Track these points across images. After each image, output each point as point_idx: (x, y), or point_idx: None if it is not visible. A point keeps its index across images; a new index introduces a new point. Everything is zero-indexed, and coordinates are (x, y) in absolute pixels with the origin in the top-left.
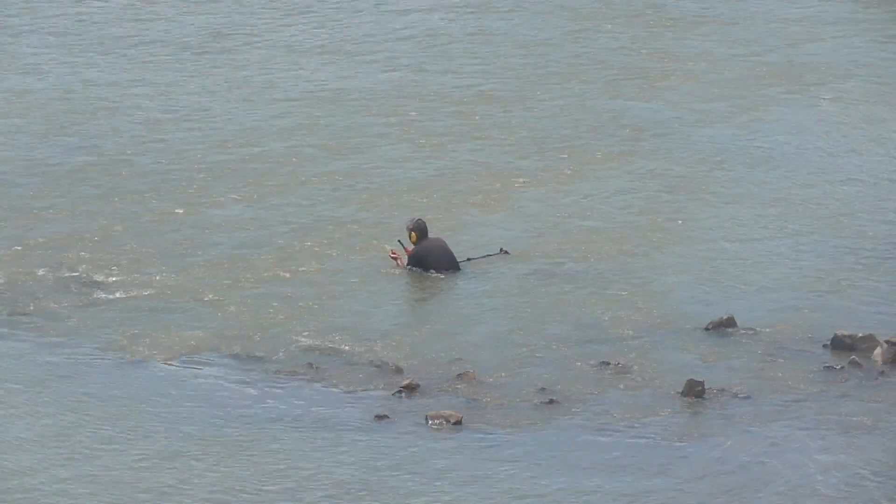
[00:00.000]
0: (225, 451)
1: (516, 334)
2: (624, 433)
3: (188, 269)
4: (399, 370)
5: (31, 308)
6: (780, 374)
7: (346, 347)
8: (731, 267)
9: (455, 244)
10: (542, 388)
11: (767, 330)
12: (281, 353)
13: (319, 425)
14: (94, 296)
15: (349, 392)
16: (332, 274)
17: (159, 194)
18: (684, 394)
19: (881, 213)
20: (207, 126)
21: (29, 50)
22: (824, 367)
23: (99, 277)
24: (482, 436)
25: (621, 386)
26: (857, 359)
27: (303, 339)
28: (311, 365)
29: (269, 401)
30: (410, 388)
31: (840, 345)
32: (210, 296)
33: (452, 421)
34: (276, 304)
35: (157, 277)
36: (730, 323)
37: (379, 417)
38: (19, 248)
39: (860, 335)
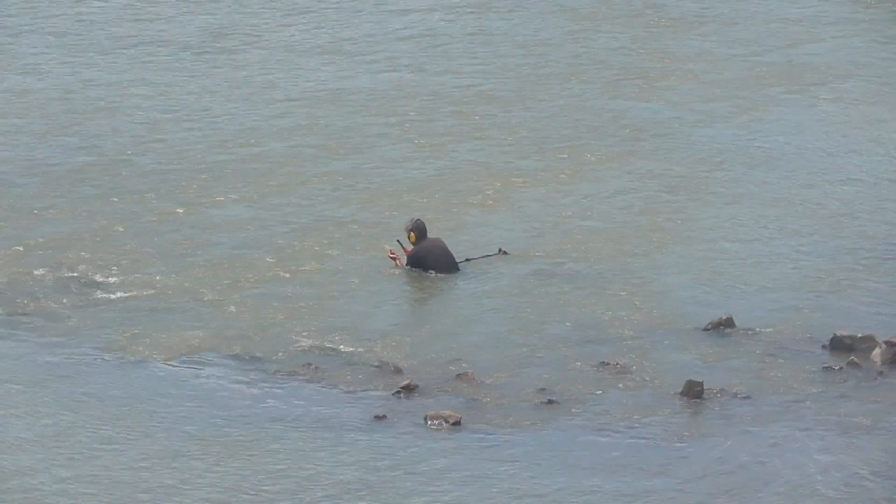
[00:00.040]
0: (225, 451)
1: (516, 334)
2: (623, 433)
3: (188, 269)
4: (398, 370)
5: (31, 308)
6: (780, 375)
7: (346, 348)
8: (730, 267)
9: (454, 244)
10: (542, 389)
11: (767, 330)
12: (280, 354)
13: (319, 425)
14: (94, 296)
15: (349, 392)
16: (332, 274)
17: (159, 194)
18: (683, 394)
19: (881, 214)
20: (207, 126)
21: (29, 50)
22: (823, 367)
23: (99, 277)
24: (481, 436)
25: (621, 386)
26: (856, 359)
27: (302, 340)
28: (310, 365)
29: (268, 401)
30: (410, 389)
31: (839, 345)
32: (210, 296)
33: (452, 421)
34: (275, 304)
35: (157, 277)
36: (729, 323)
37: (378, 418)
38: (19, 248)
39: (859, 336)
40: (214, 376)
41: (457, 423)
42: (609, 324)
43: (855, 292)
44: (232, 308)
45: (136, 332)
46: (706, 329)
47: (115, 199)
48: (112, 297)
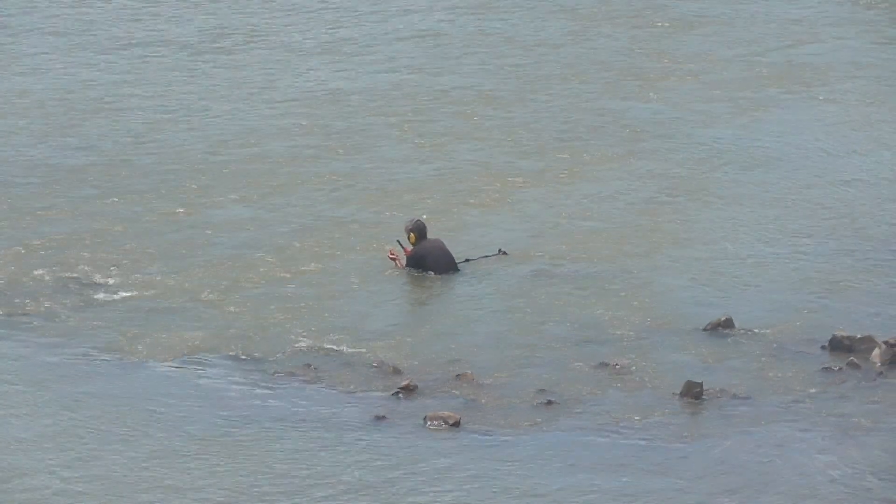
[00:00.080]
0: (224, 452)
1: (515, 335)
2: (623, 434)
3: (188, 269)
4: (398, 371)
5: (31, 308)
6: (779, 375)
7: (346, 348)
8: (730, 267)
9: (454, 245)
10: (541, 389)
11: (766, 331)
12: (280, 354)
13: (318, 426)
14: (94, 296)
15: (348, 393)
16: (331, 274)
17: (159, 194)
18: (683, 394)
19: (881, 214)
20: (207, 126)
21: (29, 50)
22: (822, 368)
23: (99, 278)
24: (481, 436)
25: (620, 387)
26: (855, 360)
27: (302, 340)
28: (309, 365)
29: (268, 401)
30: (409, 389)
31: (839, 346)
32: (210, 296)
33: (451, 422)
34: (275, 304)
35: (157, 278)
36: (728, 324)
37: (378, 418)
38: (19, 248)
39: (859, 336)
40: (214, 376)
41: (456, 424)
42: (608, 324)
43: (854, 293)
44: (232, 308)
45: (136, 332)
46: (705, 329)
47: (115, 199)
48: (112, 297)
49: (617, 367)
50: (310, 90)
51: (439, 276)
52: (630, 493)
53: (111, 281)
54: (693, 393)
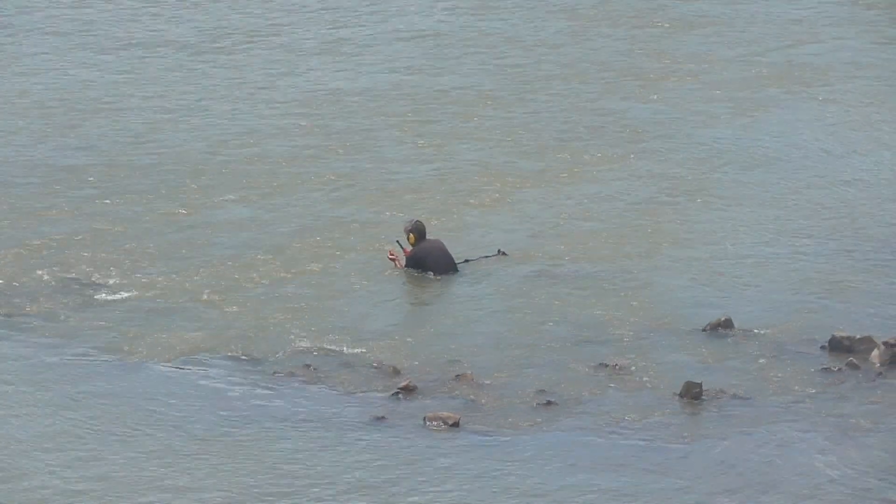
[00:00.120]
0: (224, 452)
1: (514, 335)
2: (622, 434)
3: (188, 269)
4: (397, 371)
5: (31, 308)
6: (778, 376)
7: (345, 348)
8: (729, 268)
9: (454, 245)
10: (541, 390)
11: (765, 331)
12: (280, 354)
13: (318, 426)
14: (94, 296)
15: (348, 393)
16: (331, 274)
17: (159, 194)
18: (682, 395)
19: (880, 215)
20: (207, 126)
21: (29, 50)
22: (822, 368)
23: (98, 278)
24: (480, 437)
25: (619, 387)
26: (854, 360)
27: (302, 340)
28: (309, 366)
29: (267, 401)
30: (409, 390)
31: (838, 346)
32: (209, 296)
33: (451, 422)
34: (275, 304)
35: (157, 278)
36: (728, 324)
37: (377, 418)
38: (19, 248)
39: (858, 337)
40: (214, 377)
41: (456, 424)
42: (608, 324)
43: (854, 293)
44: (232, 308)
45: (136, 332)
46: (705, 330)
47: (115, 199)
48: (112, 297)
49: (616, 367)
50: (310, 90)
51: (439, 277)
52: (630, 493)
53: (111, 281)
54: (692, 393)
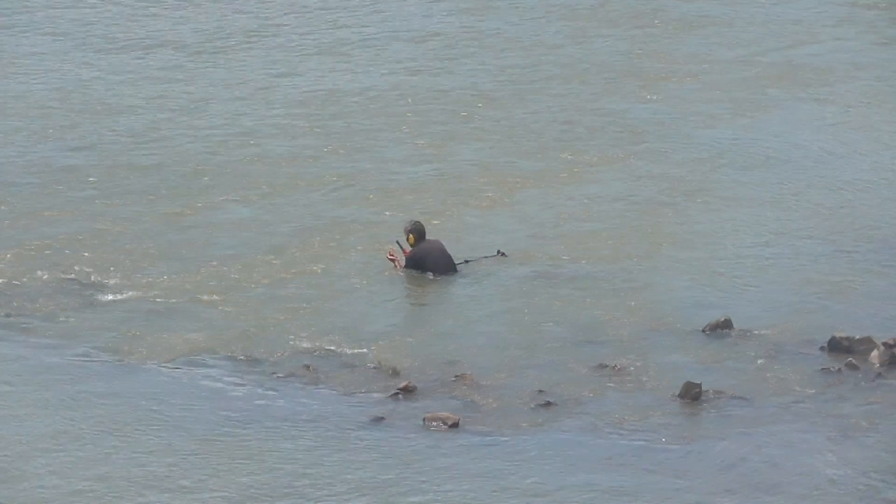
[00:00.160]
0: (224, 452)
1: (514, 336)
2: (622, 435)
3: (188, 269)
4: (397, 372)
5: (31, 309)
6: (778, 376)
7: (345, 349)
8: (729, 269)
9: (453, 246)
10: (541, 390)
11: (765, 332)
12: (279, 355)
13: (317, 427)
14: (94, 297)
15: (347, 394)
16: (331, 275)
17: (159, 195)
18: (681, 396)
19: (880, 216)
20: (207, 126)
21: (29, 50)
22: (821, 369)
23: (98, 278)
24: (480, 437)
25: (619, 388)
26: (854, 361)
27: (301, 341)
28: (308, 366)
29: (267, 402)
30: (408, 390)
31: (837, 347)
32: (209, 297)
33: (450, 423)
34: (275, 304)
35: (157, 278)
36: (727, 325)
37: (377, 419)
38: (19, 249)
39: (858, 337)
40: (214, 377)
41: (455, 425)
42: (608, 325)
43: (854, 294)
44: (232, 309)
45: (136, 332)
46: (704, 331)
47: (116, 200)
48: (112, 298)
49: (616, 367)
50: (310, 90)
51: (438, 278)
52: (629, 493)
53: (111, 281)
54: (692, 394)
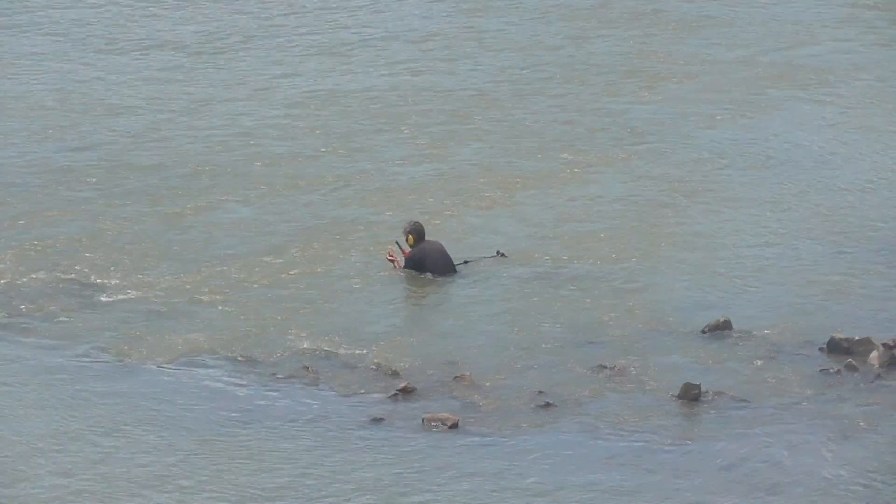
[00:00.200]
0: (224, 452)
1: (513, 337)
2: (621, 435)
3: (188, 269)
4: (396, 373)
5: (31, 310)
6: (777, 377)
7: (344, 350)
8: (728, 269)
9: (453, 246)
10: (540, 391)
11: (764, 333)
12: (279, 355)
13: (316, 427)
14: (93, 298)
15: (347, 394)
16: (330, 275)
17: (159, 195)
18: (680, 397)
19: (879, 217)
20: (207, 126)
21: (28, 50)
22: (820, 370)
23: (98, 279)
24: (479, 438)
25: (618, 388)
26: (853, 362)
27: (301, 341)
28: (308, 367)
29: (267, 402)
30: (407, 391)
31: (837, 348)
32: (209, 297)
33: (449, 423)
34: (275, 305)
35: (157, 278)
36: (726, 326)
37: (376, 420)
38: (19, 249)
39: (857, 338)
40: (214, 377)
41: (455, 426)
42: (607, 326)
43: (853, 295)
44: (232, 309)
45: (137, 333)
46: (704, 332)
47: (115, 200)
48: (112, 298)
49: (615, 368)
50: (310, 90)
51: (438, 278)
52: (629, 492)
53: (111, 282)
54: (691, 395)
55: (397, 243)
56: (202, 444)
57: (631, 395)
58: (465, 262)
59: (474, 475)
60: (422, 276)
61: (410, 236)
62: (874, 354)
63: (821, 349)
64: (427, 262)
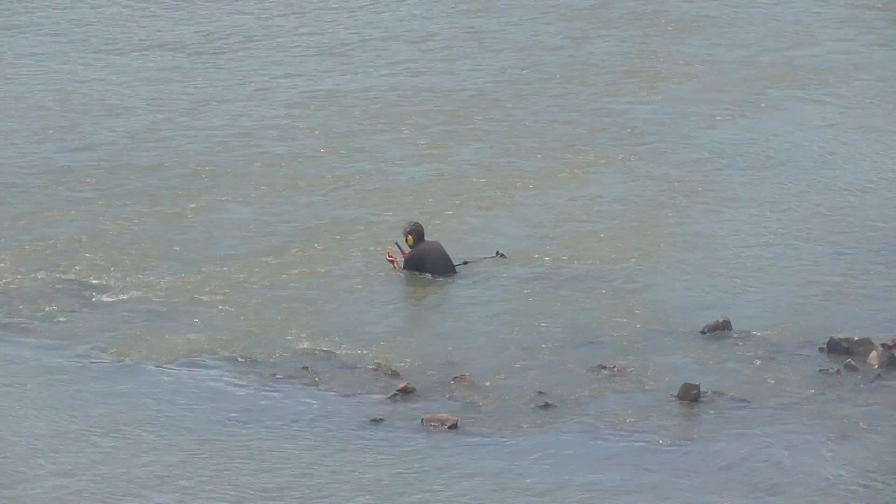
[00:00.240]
0: (224, 453)
1: (513, 337)
2: (621, 436)
3: (188, 270)
4: (395, 373)
5: (30, 310)
6: (776, 378)
7: (343, 350)
8: (728, 269)
9: (453, 247)
10: (540, 392)
11: (764, 333)
12: (279, 356)
13: (316, 428)
14: (93, 298)
15: (346, 395)
16: (331, 276)
17: (159, 195)
18: (680, 397)
19: (879, 217)
20: (207, 126)
21: (28, 51)
22: (820, 370)
23: (97, 279)
24: (479, 438)
25: (617, 389)
26: (852, 362)
27: (300, 342)
28: (307, 367)
29: (266, 403)
30: (407, 391)
31: (836, 348)
32: (209, 298)
33: (449, 424)
34: (274, 305)
35: (157, 279)
36: (726, 326)
37: (375, 420)
38: (18, 250)
39: (856, 338)
40: (214, 378)
41: (454, 426)
42: (607, 326)
43: (852, 295)
44: (231, 309)
45: (136, 333)
46: (703, 332)
47: (115, 201)
48: (111, 299)
49: (615, 369)
50: (310, 90)
51: (437, 279)
52: (629, 492)
53: (111, 282)
54: (690, 395)
55: (397, 244)
56: (202, 444)
57: (630, 396)
58: (465, 263)
59: (474, 475)
60: (421, 277)
61: (410, 237)
62: (873, 355)
63: (820, 349)
64: (426, 262)
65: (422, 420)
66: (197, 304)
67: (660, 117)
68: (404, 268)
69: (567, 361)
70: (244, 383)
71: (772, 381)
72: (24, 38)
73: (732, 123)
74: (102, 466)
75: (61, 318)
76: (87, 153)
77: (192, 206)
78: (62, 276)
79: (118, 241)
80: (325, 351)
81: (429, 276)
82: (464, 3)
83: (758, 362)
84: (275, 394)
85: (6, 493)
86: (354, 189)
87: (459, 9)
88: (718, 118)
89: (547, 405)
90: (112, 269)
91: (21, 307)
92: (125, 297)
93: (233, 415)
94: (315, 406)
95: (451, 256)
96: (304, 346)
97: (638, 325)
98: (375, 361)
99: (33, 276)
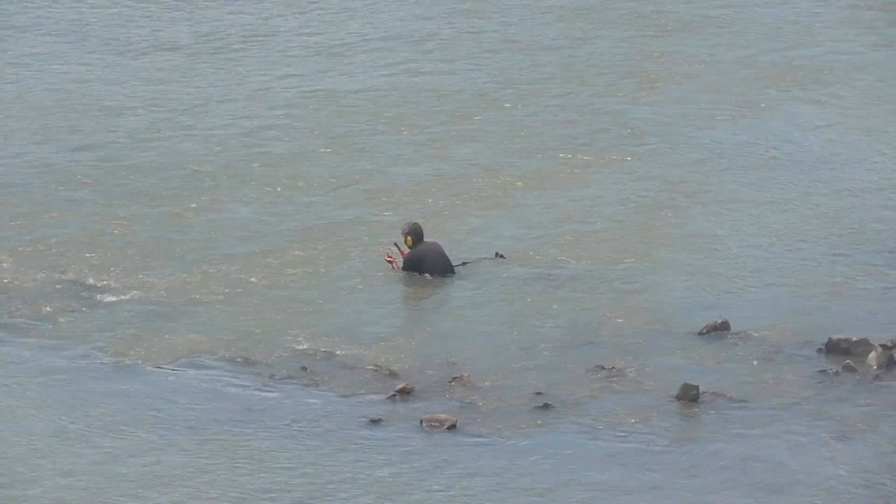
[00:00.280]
0: (223, 453)
1: (512, 338)
2: (620, 436)
3: (188, 270)
4: (394, 374)
5: (30, 311)
6: (775, 378)
7: (343, 351)
8: (728, 270)
9: (452, 247)
10: (538, 392)
11: (762, 334)
12: (279, 356)
13: (315, 428)
14: (93, 298)
15: (345, 395)
16: (330, 276)
17: (159, 195)
18: (679, 398)
19: (878, 217)
20: (207, 126)
21: (29, 50)
22: (818, 371)
23: (97, 280)
24: (478, 439)
25: (616, 389)
26: (851, 363)
27: (300, 342)
28: (306, 368)
29: (266, 403)
30: (406, 392)
31: (835, 349)
32: (208, 298)
33: (448, 424)
34: (274, 306)
35: (157, 279)
36: (725, 327)
37: (374, 421)
38: (18, 250)
39: (855, 339)
40: (214, 378)
41: (453, 426)
42: (606, 327)
43: (851, 296)
44: (231, 310)
45: (136, 333)
46: (702, 333)
47: (115, 201)
48: (111, 299)
49: (614, 369)
50: (310, 90)
51: (436, 279)
52: (628, 492)
53: (111, 283)
54: (689, 396)
55: (396, 244)
56: (202, 443)
57: (629, 396)
58: (464, 264)
59: (473, 475)
60: (420, 277)
61: (409, 237)
62: (872, 355)
63: (819, 350)
64: (425, 263)
65: (421, 420)
66: (197, 304)
67: (660, 117)
68: (403, 268)
69: (566, 362)
70: (244, 383)
71: (771, 382)
72: (24, 37)
73: (732, 124)
74: (102, 466)
75: (61, 319)
76: (86, 153)
77: (192, 206)
78: (62, 277)
79: (118, 241)
80: (324, 351)
81: (428, 276)
82: (464, 3)
83: (757, 363)
84: (275, 394)
85: (6, 493)
86: (354, 189)
87: (459, 9)
88: (718, 118)
89: (546, 405)
90: (112, 269)
91: (21, 307)
92: (125, 297)
93: (233, 415)
94: (315, 406)
95: (449, 257)
96: (304, 346)
97: (637, 326)
98: (375, 362)
99: (33, 276)
